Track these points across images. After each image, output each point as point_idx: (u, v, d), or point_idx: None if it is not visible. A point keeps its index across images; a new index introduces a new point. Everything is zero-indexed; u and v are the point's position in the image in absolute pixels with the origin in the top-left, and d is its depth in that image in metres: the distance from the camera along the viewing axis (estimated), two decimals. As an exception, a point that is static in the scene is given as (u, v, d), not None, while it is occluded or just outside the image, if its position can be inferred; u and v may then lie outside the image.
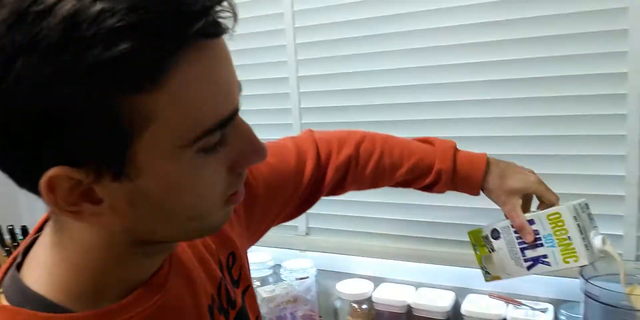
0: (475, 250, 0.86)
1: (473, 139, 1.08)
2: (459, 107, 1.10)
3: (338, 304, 1.21)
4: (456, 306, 1.13)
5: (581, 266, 0.70)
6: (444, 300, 1.13)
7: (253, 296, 0.68)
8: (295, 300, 1.13)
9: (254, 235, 0.74)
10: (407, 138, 0.84)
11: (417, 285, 1.20)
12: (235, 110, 0.43)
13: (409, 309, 1.14)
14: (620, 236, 0.99)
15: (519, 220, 0.75)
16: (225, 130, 0.42)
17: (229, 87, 0.42)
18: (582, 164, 1.01)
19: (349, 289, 1.20)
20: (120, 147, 0.38)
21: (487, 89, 1.07)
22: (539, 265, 0.75)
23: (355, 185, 0.82)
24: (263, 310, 1.10)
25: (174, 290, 0.51)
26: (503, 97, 1.06)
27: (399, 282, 1.23)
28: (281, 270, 1.27)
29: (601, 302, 0.67)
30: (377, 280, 1.24)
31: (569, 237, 0.70)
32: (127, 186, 0.40)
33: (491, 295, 1.12)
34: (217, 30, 0.40)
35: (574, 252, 0.70)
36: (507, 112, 1.06)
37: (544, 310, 1.05)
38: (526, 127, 1.05)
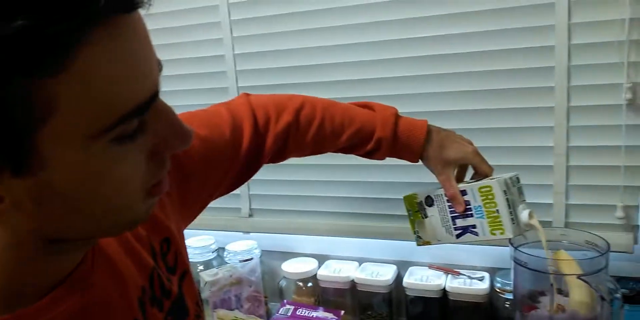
0: (409, 215, 0.88)
1: (409, 114, 1.09)
2: (396, 82, 1.11)
3: (283, 283, 1.21)
4: (398, 279, 1.15)
5: (506, 238, 0.73)
6: (386, 274, 1.15)
7: (192, 282, 0.66)
8: (239, 282, 1.12)
9: (190, 214, 0.70)
10: (347, 104, 0.83)
11: (361, 261, 1.22)
12: (155, 93, 0.39)
13: (353, 284, 1.16)
14: (550, 204, 1.03)
15: (452, 190, 0.77)
16: (145, 116, 0.38)
17: (147, 68, 0.38)
18: (513, 136, 1.04)
19: (293, 268, 1.20)
20: (19, 138, 0.34)
21: (421, 65, 1.08)
22: (468, 235, 0.77)
23: (296, 153, 0.80)
24: (205, 294, 1.08)
25: (98, 286, 0.48)
26: (435, 72, 1.07)
27: (343, 258, 1.24)
28: (225, 253, 1.26)
29: (529, 268, 0.69)
30: (321, 258, 1.24)
31: (497, 210, 0.73)
32: (31, 181, 0.36)
33: (431, 266, 1.15)
34: (130, 4, 0.36)
35: (501, 225, 0.72)
36: (441, 86, 1.08)
37: (480, 279, 1.08)
38: (459, 101, 1.07)
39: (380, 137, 0.77)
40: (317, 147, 0.80)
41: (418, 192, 0.85)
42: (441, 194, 0.81)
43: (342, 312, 1.13)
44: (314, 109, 0.78)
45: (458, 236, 0.79)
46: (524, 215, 0.73)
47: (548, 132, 1.01)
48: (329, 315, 1.12)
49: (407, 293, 1.11)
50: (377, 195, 1.18)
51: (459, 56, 1.04)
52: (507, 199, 0.73)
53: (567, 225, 1.02)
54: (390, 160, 0.83)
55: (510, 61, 1.01)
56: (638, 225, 0.99)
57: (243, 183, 0.77)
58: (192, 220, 0.71)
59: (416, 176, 1.10)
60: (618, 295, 0.65)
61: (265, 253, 1.29)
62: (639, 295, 0.93)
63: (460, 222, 0.78)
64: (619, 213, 0.97)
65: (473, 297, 1.05)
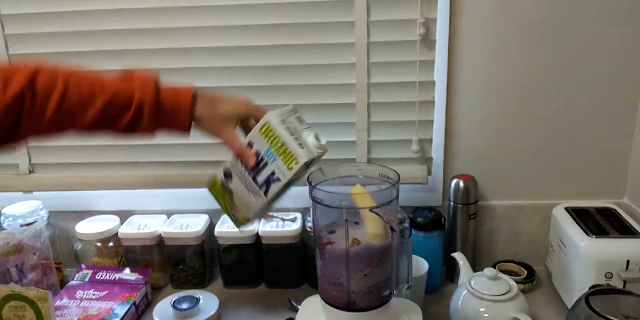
0: (219, 203, 0.83)
1: (201, 70, 1.00)
2: (185, 36, 1.00)
3: (79, 246, 1.07)
4: (210, 229, 1.09)
5: (304, 165, 0.71)
6: (196, 225, 1.07)
7: None
8: (19, 250, 0.95)
9: None
10: (98, 71, 0.71)
11: (169, 213, 1.13)
12: None
13: (160, 239, 1.07)
14: (353, 142, 1.04)
15: (237, 146, 0.73)
16: None
17: None
18: (317, 73, 1.01)
19: (88, 228, 1.06)
20: None
21: (216, 16, 0.98)
22: (272, 185, 0.74)
23: (34, 131, 0.67)
24: (-26, 268, 0.90)
25: None
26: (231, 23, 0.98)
27: (150, 212, 1.14)
28: (1, 218, 1.06)
29: (324, 205, 0.67)
30: (124, 215, 1.12)
31: (283, 142, 0.70)
32: None
33: (243, 212, 1.11)
34: None
35: (292, 155, 0.70)
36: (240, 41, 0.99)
37: (293, 220, 1.07)
38: (265, 36, 1.00)
39: (141, 102, 0.68)
40: (63, 122, 0.67)
41: (216, 173, 0.80)
42: (233, 160, 0.76)
43: (150, 270, 1.04)
44: (54, 76, 0.65)
45: (266, 193, 0.75)
46: (310, 138, 0.72)
47: (350, 69, 1.00)
48: (135, 275, 1.02)
49: (220, 242, 1.06)
50: (180, 141, 1.08)
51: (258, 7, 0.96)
52: (288, 128, 0.71)
53: (369, 160, 1.05)
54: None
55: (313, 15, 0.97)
56: (431, 158, 1.05)
57: None
58: None
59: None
60: (406, 224, 0.67)
61: (54, 214, 1.12)
62: (432, 222, 1.00)
63: (260, 178, 0.75)
64: (415, 146, 1.02)
65: (285, 239, 1.04)
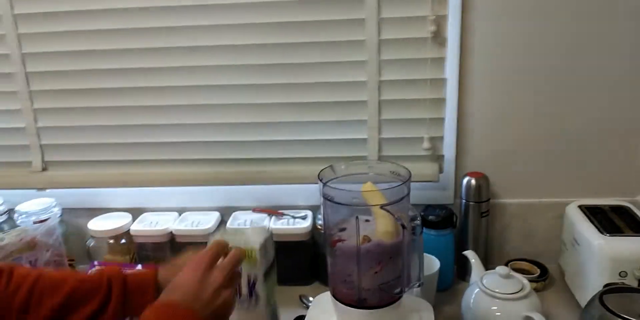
0: None
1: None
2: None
3: (91, 243, 1.08)
4: (222, 225, 1.09)
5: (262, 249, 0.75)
6: (207, 222, 1.08)
7: None
8: (32, 246, 0.96)
9: None
10: None
11: (182, 211, 1.13)
12: None
13: (172, 236, 1.07)
14: (364, 140, 1.04)
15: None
16: None
17: None
18: (327, 72, 1.01)
19: (100, 225, 1.07)
20: None
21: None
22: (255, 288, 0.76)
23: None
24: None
25: None
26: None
27: (162, 210, 1.14)
28: (16, 215, 1.07)
29: (335, 202, 0.67)
30: (136, 212, 1.13)
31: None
32: None
33: (255, 210, 1.11)
34: None
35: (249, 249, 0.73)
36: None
37: (304, 218, 1.07)
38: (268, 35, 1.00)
39: (110, 278, 0.66)
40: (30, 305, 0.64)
41: None
42: None
43: (161, 266, 1.04)
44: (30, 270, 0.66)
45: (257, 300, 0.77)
46: (248, 230, 0.78)
47: (360, 67, 1.00)
48: (146, 271, 1.03)
49: (230, 239, 1.06)
50: (193, 139, 1.09)
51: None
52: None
53: (380, 158, 1.04)
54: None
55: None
56: (443, 155, 1.05)
57: None
58: None
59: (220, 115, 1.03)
60: (417, 222, 0.66)
61: (67, 211, 1.13)
62: (444, 220, 1.00)
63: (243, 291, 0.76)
64: (426, 144, 1.01)
65: (296, 236, 1.04)
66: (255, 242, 0.74)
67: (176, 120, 1.07)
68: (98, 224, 1.08)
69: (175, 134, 1.08)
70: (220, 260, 0.66)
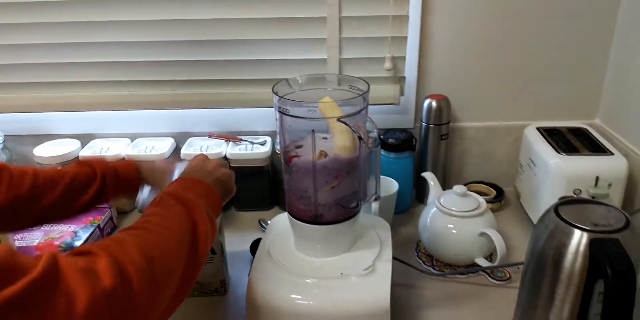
0: None
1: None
2: None
3: (38, 170, 1.03)
4: (176, 152, 1.06)
5: None
6: (161, 148, 1.04)
7: None
8: (-28, 172, 0.91)
9: None
10: None
11: (133, 137, 1.08)
12: None
13: (124, 162, 1.03)
14: (324, 60, 0.99)
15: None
16: None
17: None
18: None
19: (48, 152, 1.02)
20: None
21: None
22: None
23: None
24: None
25: None
26: None
27: (112, 136, 1.09)
28: (-47, 142, 1.01)
29: (290, 115, 0.64)
30: (85, 138, 1.07)
31: None
32: None
33: (210, 135, 1.07)
34: None
35: None
36: None
37: (262, 143, 1.04)
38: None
39: (104, 173, 0.73)
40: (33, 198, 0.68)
41: None
42: None
43: (114, 193, 1.01)
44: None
45: None
46: None
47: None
48: (99, 198, 0.99)
49: (186, 165, 1.03)
50: (144, 58, 1.01)
51: None
52: None
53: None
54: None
55: None
56: (404, 77, 1.01)
57: None
58: None
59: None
60: (374, 134, 0.64)
61: (11, 138, 1.07)
62: (403, 143, 0.98)
63: None
64: (387, 64, 0.98)
65: (254, 162, 1.02)
66: None
67: (126, 38, 0.99)
68: (44, 151, 1.02)
69: (126, 53, 1.00)
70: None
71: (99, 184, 0.72)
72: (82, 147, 1.05)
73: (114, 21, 0.97)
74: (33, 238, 0.90)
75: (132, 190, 0.77)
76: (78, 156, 1.02)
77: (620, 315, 0.54)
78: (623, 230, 0.57)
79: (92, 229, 0.92)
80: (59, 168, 0.72)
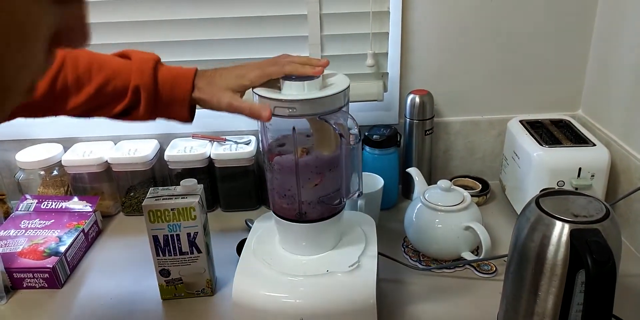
0: None
1: None
2: None
3: (20, 176, 1.02)
4: (160, 153, 1.05)
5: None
6: (144, 150, 1.03)
7: None
8: (-47, 179, 0.90)
9: None
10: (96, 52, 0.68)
11: (116, 140, 1.08)
12: None
13: (108, 165, 1.02)
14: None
15: (245, 106, 0.65)
16: None
17: None
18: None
19: (30, 157, 1.01)
20: None
21: None
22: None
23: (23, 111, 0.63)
24: None
25: None
26: None
27: (95, 139, 1.08)
28: None
29: (272, 114, 0.63)
30: (67, 142, 1.06)
31: None
32: None
33: (194, 136, 1.06)
34: None
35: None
36: None
37: (247, 143, 1.04)
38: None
39: (137, 85, 0.65)
40: (56, 100, 0.64)
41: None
42: None
43: (98, 197, 1.00)
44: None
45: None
46: None
47: (300, -23, 0.93)
48: (83, 203, 0.98)
49: (171, 167, 1.02)
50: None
51: None
52: None
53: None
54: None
55: None
56: (387, 73, 1.02)
57: None
58: None
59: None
60: (355, 131, 0.64)
61: (-9, 144, 1.06)
62: (388, 139, 0.99)
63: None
64: (370, 61, 0.98)
65: (239, 162, 1.01)
66: (191, 202, 0.74)
67: (106, 40, 0.98)
68: (27, 156, 1.01)
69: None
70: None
71: (128, 101, 0.66)
72: (65, 151, 1.04)
73: (93, 23, 0.96)
74: (17, 244, 0.88)
75: (178, 119, 0.71)
76: (61, 160, 1.01)
77: (602, 305, 0.54)
78: (603, 221, 0.58)
79: (76, 234, 0.91)
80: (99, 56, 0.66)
